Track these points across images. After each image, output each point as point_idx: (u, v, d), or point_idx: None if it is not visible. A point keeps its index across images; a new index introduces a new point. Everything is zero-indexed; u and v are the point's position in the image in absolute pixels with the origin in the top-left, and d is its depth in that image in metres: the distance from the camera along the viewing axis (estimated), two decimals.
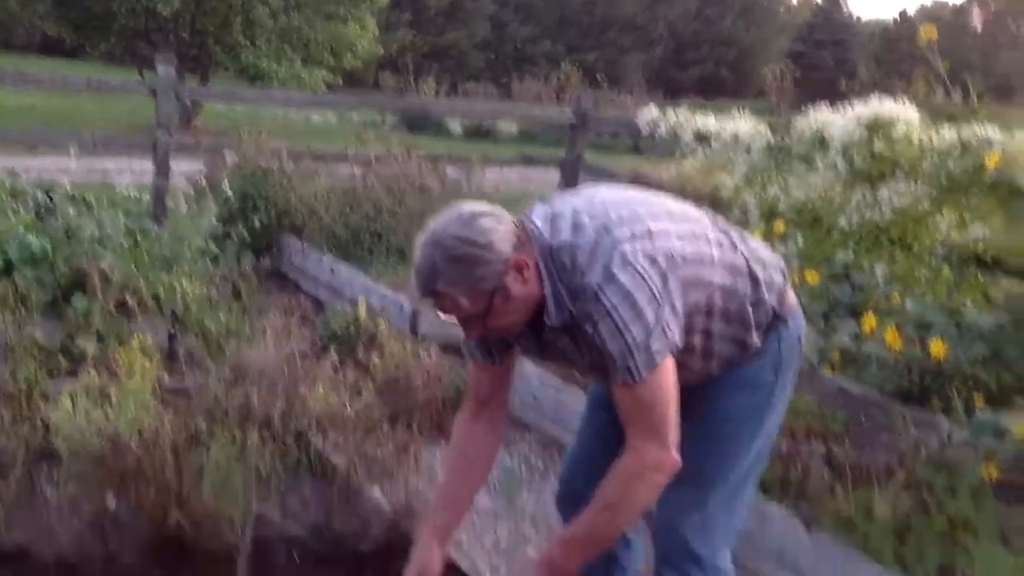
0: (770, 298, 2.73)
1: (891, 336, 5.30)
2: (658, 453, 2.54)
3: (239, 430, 3.61)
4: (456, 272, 2.45)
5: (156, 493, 3.27)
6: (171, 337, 4.72)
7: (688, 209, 2.73)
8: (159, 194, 7.64)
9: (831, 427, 4.91)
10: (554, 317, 2.53)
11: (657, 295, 2.47)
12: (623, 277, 2.46)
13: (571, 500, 3.02)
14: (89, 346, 4.11)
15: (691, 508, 2.80)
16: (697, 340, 2.69)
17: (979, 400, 4.92)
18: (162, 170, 7.92)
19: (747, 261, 2.70)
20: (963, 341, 5.50)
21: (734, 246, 2.69)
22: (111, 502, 3.52)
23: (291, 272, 7.76)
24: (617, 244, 2.49)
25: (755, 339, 2.74)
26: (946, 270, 7.08)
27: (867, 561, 3.71)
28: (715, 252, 2.65)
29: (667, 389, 2.54)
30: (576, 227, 2.54)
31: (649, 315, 2.46)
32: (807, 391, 5.43)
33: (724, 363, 2.76)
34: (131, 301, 4.68)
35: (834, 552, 3.80)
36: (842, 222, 7.92)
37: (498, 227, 2.49)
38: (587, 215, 2.55)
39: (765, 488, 4.20)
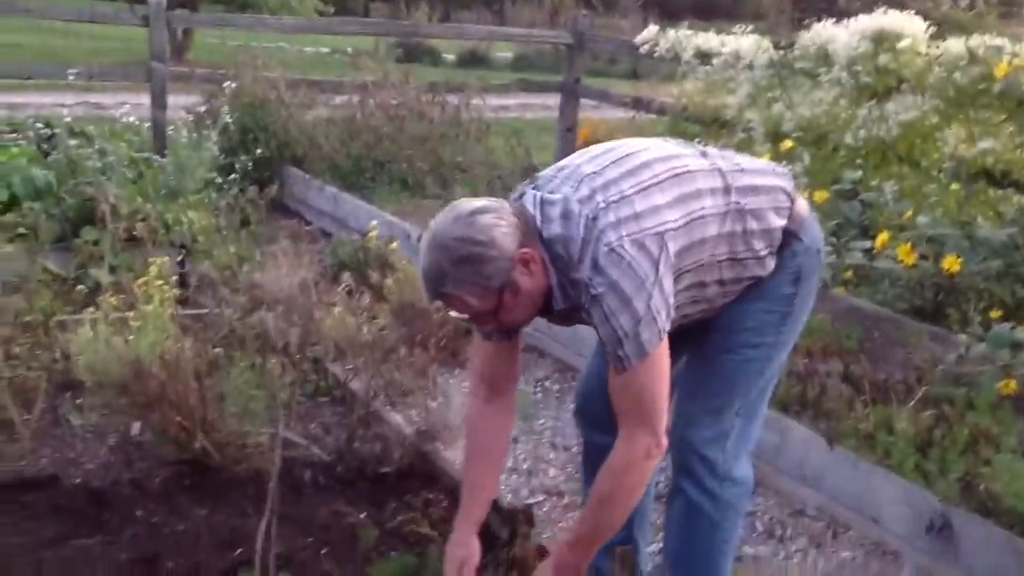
0: (777, 221, 2.71)
1: (904, 252, 5.28)
2: (648, 441, 2.55)
3: (258, 356, 3.58)
4: (463, 273, 2.43)
5: (180, 418, 3.25)
6: (181, 265, 4.70)
7: (674, 156, 2.65)
8: (158, 126, 7.56)
9: (845, 345, 4.90)
10: (560, 302, 2.54)
11: (646, 283, 2.45)
12: (610, 269, 2.44)
13: (587, 414, 3.07)
14: (102, 276, 4.08)
15: (709, 420, 2.81)
16: (713, 290, 2.69)
17: (995, 314, 4.90)
18: (159, 102, 7.84)
19: (740, 199, 2.65)
20: (976, 256, 5.48)
21: (727, 188, 2.65)
22: (135, 429, 3.52)
23: (293, 203, 7.71)
24: (603, 234, 2.46)
25: (770, 264, 2.72)
26: (955, 185, 7.04)
27: (890, 475, 3.71)
28: (707, 203, 2.60)
29: (657, 377, 2.53)
30: (566, 216, 2.51)
31: (638, 305, 2.44)
32: (820, 310, 5.42)
33: (743, 290, 2.74)
34: (140, 231, 4.63)
35: (856, 467, 3.80)
36: (848, 139, 7.83)
37: (499, 223, 2.45)
38: (575, 200, 2.51)
39: (784, 407, 4.21)
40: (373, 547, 2.98)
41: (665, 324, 2.48)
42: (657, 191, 2.54)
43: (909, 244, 5.34)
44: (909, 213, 6.10)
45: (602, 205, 2.49)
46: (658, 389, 2.52)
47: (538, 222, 2.50)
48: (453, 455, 3.84)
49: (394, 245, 5.41)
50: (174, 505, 3.19)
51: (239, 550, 2.94)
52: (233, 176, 5.94)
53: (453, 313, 2.54)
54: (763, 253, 2.67)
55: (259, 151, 7.16)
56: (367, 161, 7.79)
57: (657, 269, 2.45)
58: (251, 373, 3.50)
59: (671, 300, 2.49)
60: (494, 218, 2.45)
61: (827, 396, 4.28)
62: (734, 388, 2.77)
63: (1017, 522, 3.37)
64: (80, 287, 4.32)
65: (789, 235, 2.71)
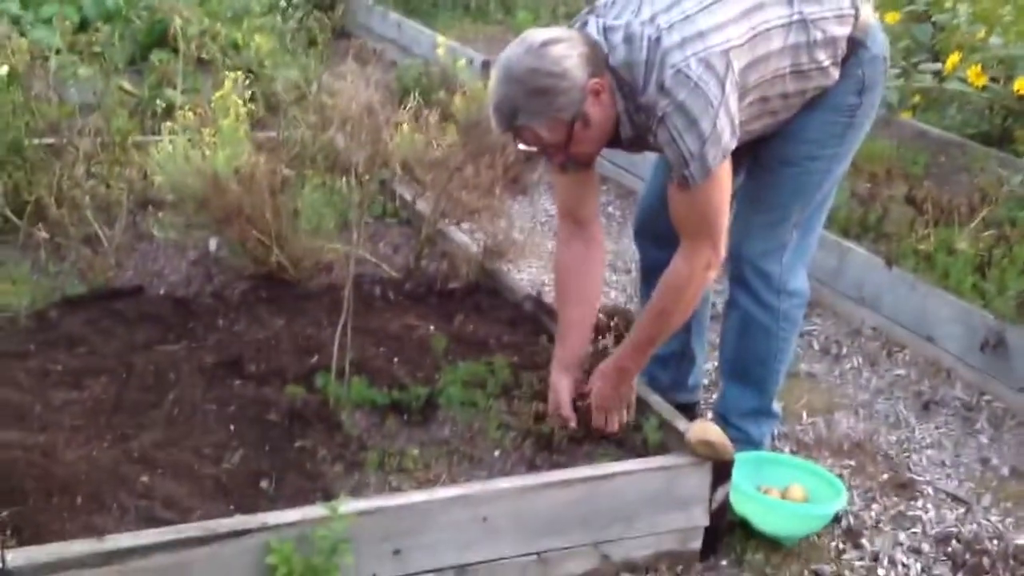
0: (840, 30, 2.70)
1: (974, 73, 5.17)
2: (708, 254, 2.62)
3: (328, 175, 3.68)
4: (536, 106, 2.46)
5: (256, 232, 3.37)
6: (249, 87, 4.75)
7: None
8: None
9: (910, 170, 4.88)
10: (628, 130, 2.58)
11: (713, 102, 2.47)
12: (677, 89, 2.46)
13: (647, 231, 3.15)
14: (175, 96, 4.16)
15: (766, 233, 2.88)
16: (777, 103, 2.71)
17: None
18: None
19: (803, 8, 2.65)
20: None
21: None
22: (212, 244, 3.66)
23: (356, 30, 7.69)
24: (668, 55, 2.48)
25: (835, 74, 2.73)
26: None
27: (946, 294, 3.77)
28: (770, 16, 2.61)
29: (720, 193, 2.58)
30: (628, 40, 2.52)
31: (704, 124, 2.46)
32: (885, 135, 5.38)
33: (809, 100, 2.76)
34: (210, 53, 4.69)
35: (914, 287, 3.86)
36: None
37: (571, 53, 2.47)
38: (637, 23, 2.51)
39: (844, 230, 4.24)
40: (443, 355, 3.11)
41: (730, 142, 2.53)
42: (719, 7, 2.55)
43: (979, 65, 5.23)
44: (982, 34, 5.94)
45: (665, 26, 2.50)
46: (721, 205, 2.59)
47: (603, 49, 2.52)
48: (518, 272, 3.97)
49: (461, 63, 5.42)
50: (253, 315, 3.34)
51: (315, 356, 3.09)
52: (297, 0, 5.94)
53: (521, 146, 2.59)
54: (826, 64, 2.68)
55: None
56: None
57: (723, 87, 2.48)
58: (322, 191, 3.60)
59: (736, 118, 2.53)
60: (566, 48, 2.47)
61: (888, 219, 4.30)
62: (793, 201, 2.82)
63: None
64: (155, 107, 4.43)
65: (854, 43, 2.72)
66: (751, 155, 2.80)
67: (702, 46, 2.48)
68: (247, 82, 3.79)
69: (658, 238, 3.07)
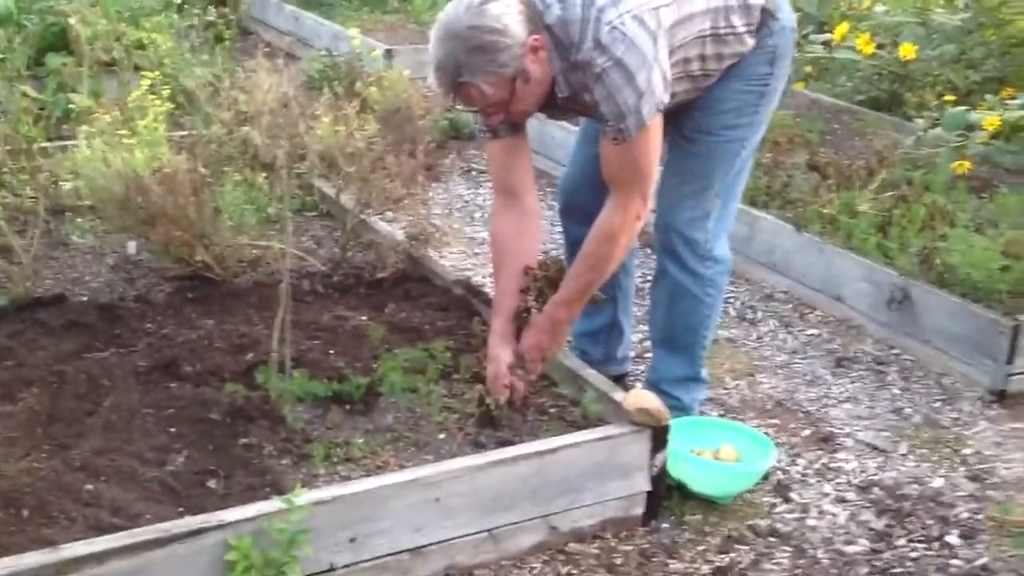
0: None
1: (863, 42, 5.39)
2: (639, 204, 2.72)
3: (248, 171, 3.68)
4: (478, 61, 2.52)
5: (180, 232, 3.36)
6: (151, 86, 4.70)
7: None
8: None
9: (807, 136, 5.06)
10: (563, 89, 2.65)
11: (648, 57, 2.57)
12: (613, 46, 2.55)
13: (573, 209, 3.22)
14: (80, 100, 4.10)
15: (691, 202, 2.98)
16: (695, 66, 2.81)
17: (949, 99, 5.06)
18: None
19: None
20: (931, 43, 5.60)
21: None
22: (131, 247, 3.63)
23: (253, 25, 7.62)
24: (603, 13, 2.56)
25: (749, 42, 2.84)
26: None
27: (852, 255, 3.93)
28: None
29: (653, 145, 2.68)
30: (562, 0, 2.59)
31: (640, 79, 2.56)
32: (782, 105, 5.55)
33: (724, 70, 2.87)
34: (110, 55, 4.62)
35: (822, 250, 4.01)
36: None
37: (509, 10, 2.54)
38: None
39: (752, 200, 4.38)
40: (379, 344, 3.15)
41: (663, 96, 2.62)
42: None
43: (868, 34, 5.45)
44: (867, 3, 6.17)
45: None
46: (653, 157, 2.69)
47: (538, 8, 2.59)
48: (441, 259, 4.02)
49: (375, 52, 5.41)
50: (182, 316, 3.33)
51: (250, 353, 3.10)
52: None
53: (460, 106, 2.65)
54: (742, 30, 2.80)
55: None
56: None
57: (656, 43, 2.57)
58: (243, 188, 3.61)
59: (668, 73, 2.63)
60: (504, 6, 2.53)
61: (793, 186, 4.46)
62: (714, 169, 2.94)
63: (971, 290, 3.62)
64: (59, 112, 4.35)
65: (765, 14, 2.84)
66: (673, 127, 2.90)
67: (635, 4, 2.57)
68: (155, 79, 3.77)
69: (585, 215, 3.15)
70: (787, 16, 2.94)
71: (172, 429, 2.78)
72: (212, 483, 2.60)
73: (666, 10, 2.62)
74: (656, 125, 2.65)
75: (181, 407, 2.85)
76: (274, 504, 2.35)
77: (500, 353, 2.86)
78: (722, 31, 2.78)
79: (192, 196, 3.30)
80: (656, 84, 2.58)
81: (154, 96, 3.45)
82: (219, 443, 2.74)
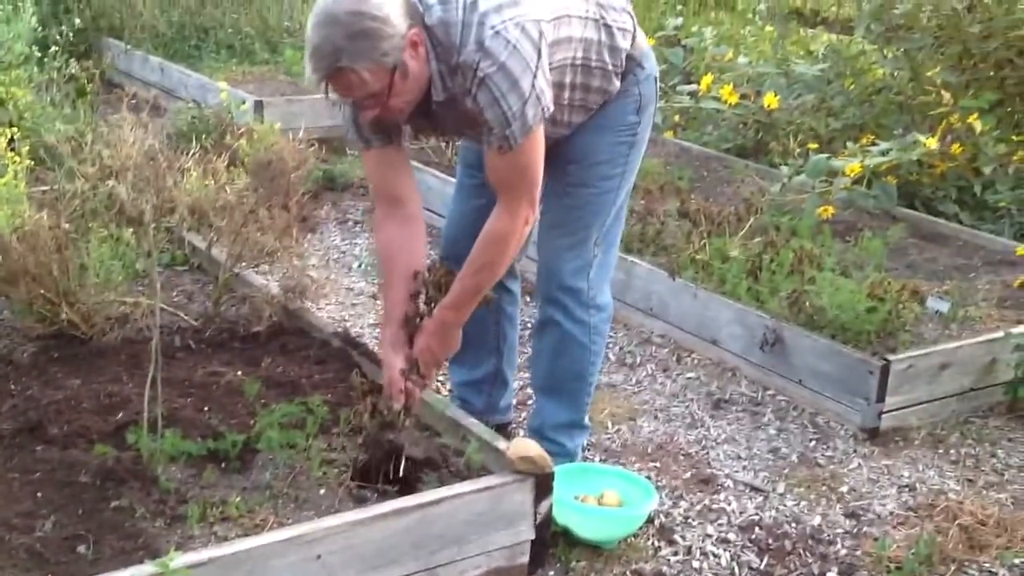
0: (623, 43, 2.89)
1: (727, 92, 5.56)
2: (528, 210, 2.73)
3: (114, 227, 3.57)
4: (359, 47, 2.48)
5: (43, 291, 3.24)
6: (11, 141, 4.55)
7: None
8: None
9: (678, 184, 5.17)
10: (440, 92, 2.63)
11: (531, 64, 2.58)
12: (497, 50, 2.55)
13: (456, 256, 3.18)
14: None
15: (572, 253, 3.00)
16: (566, 95, 2.83)
17: (812, 146, 5.25)
18: None
19: (600, 12, 2.83)
20: (792, 92, 5.82)
21: None
22: None
23: (117, 77, 7.47)
24: (486, 17, 2.57)
25: (616, 84, 2.90)
26: (769, 27, 7.36)
27: (725, 299, 4.01)
28: (570, 5, 2.76)
29: (538, 152, 2.69)
30: (444, 1, 2.59)
31: (524, 84, 2.57)
32: (652, 154, 5.68)
33: (589, 112, 2.91)
34: None
35: (696, 295, 4.09)
36: None
37: (389, 1, 2.51)
38: None
39: (627, 246, 4.45)
40: (255, 399, 3.07)
41: (548, 103, 2.63)
42: None
43: (731, 85, 5.62)
44: (730, 55, 6.38)
45: None
46: (538, 163, 2.70)
47: (418, 7, 2.58)
48: (318, 311, 3.96)
49: (245, 105, 5.34)
50: (48, 377, 3.20)
51: (120, 413, 3.00)
52: (54, 49, 5.71)
53: (333, 96, 2.59)
54: (610, 67, 2.86)
55: (74, 22, 6.85)
56: (190, 28, 7.57)
57: (539, 52, 2.59)
58: (109, 244, 3.50)
59: (550, 83, 2.65)
60: None
61: (666, 232, 4.54)
62: (593, 220, 2.97)
63: (840, 331, 3.72)
64: None
65: (632, 61, 2.90)
66: (548, 181, 2.92)
67: (518, 12, 2.58)
68: (14, 136, 3.65)
69: (463, 262, 3.15)
70: (652, 66, 3.01)
71: (39, 494, 2.65)
72: (82, 548, 2.49)
73: (547, 25, 2.64)
74: (540, 134, 2.66)
75: (48, 470, 2.73)
76: (147, 569, 2.27)
77: (393, 360, 2.83)
78: (593, 63, 2.83)
79: (55, 253, 3.19)
80: (540, 90, 2.59)
81: (13, 152, 3.33)
82: (89, 507, 2.62)
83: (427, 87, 2.63)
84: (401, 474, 2.76)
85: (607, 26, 2.83)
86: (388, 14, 2.50)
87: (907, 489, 3.32)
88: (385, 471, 2.77)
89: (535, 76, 2.58)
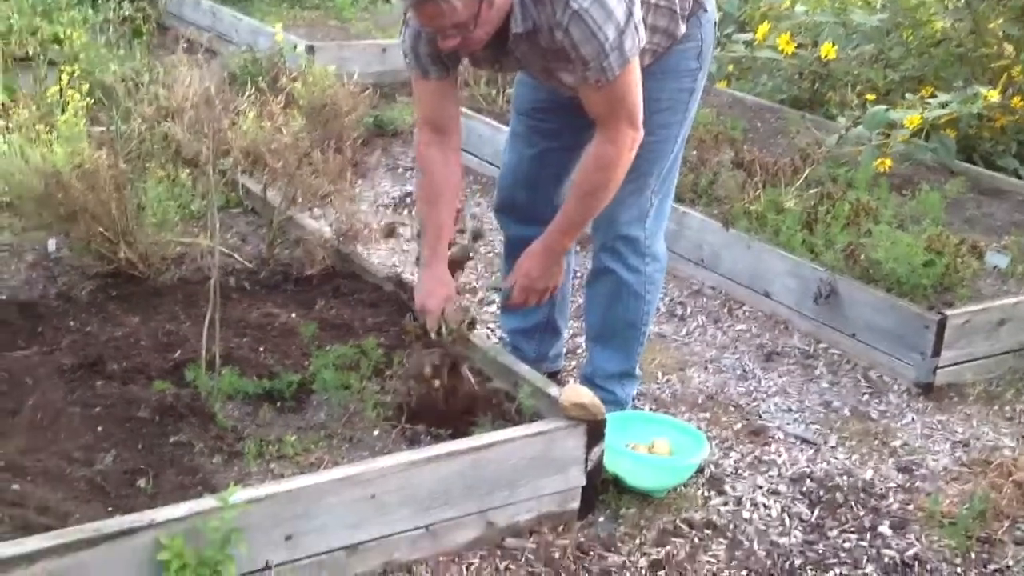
0: None
1: (784, 41, 5.47)
2: (633, 134, 2.70)
3: (171, 167, 3.60)
4: None
5: (102, 229, 3.27)
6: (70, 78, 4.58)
7: None
8: None
9: (732, 134, 5.11)
10: (520, 24, 2.58)
11: None
12: None
13: (509, 207, 3.23)
14: None
15: (630, 201, 2.97)
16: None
17: (870, 97, 5.16)
18: None
19: None
20: (850, 42, 5.71)
21: None
22: (51, 245, 3.53)
23: (169, 20, 7.47)
24: None
25: (682, 27, 2.85)
26: None
27: (779, 251, 3.97)
28: None
29: (636, 79, 2.65)
30: None
31: (619, 14, 2.52)
32: (705, 104, 5.62)
33: (655, 56, 2.86)
34: (24, 50, 4.49)
35: (749, 246, 4.05)
36: None
37: None
38: None
39: (679, 196, 4.41)
40: (310, 341, 3.10)
41: (643, 34, 2.61)
42: None
43: (788, 33, 5.53)
44: (787, 4, 6.26)
45: None
46: (637, 89, 2.67)
47: None
48: (368, 255, 3.97)
49: (299, 48, 5.33)
50: (107, 314, 3.24)
51: (178, 351, 3.04)
52: None
53: (423, 22, 2.55)
54: (678, 9, 2.81)
55: None
56: None
57: None
58: (165, 184, 3.53)
59: (641, 11, 2.61)
60: None
61: (719, 182, 4.50)
62: (651, 168, 2.94)
63: (895, 285, 3.68)
64: None
65: (696, 4, 2.85)
66: None
67: None
68: (74, 73, 3.67)
69: (521, 213, 3.16)
70: (713, 10, 2.97)
71: (99, 428, 2.70)
72: (141, 482, 2.53)
73: None
74: (636, 62, 2.63)
75: (108, 405, 2.77)
76: (207, 502, 2.30)
77: (439, 290, 2.84)
78: (663, 3, 2.79)
79: (114, 192, 3.22)
80: (637, 21, 2.56)
81: (73, 90, 3.35)
82: (148, 441, 2.67)
83: (506, 18, 2.59)
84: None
85: None
86: None
87: (961, 445, 3.29)
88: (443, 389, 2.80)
89: (631, 3, 2.55)
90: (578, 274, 3.69)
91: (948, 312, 3.50)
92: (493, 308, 3.95)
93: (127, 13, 5.63)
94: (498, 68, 2.84)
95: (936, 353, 3.49)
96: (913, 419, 3.41)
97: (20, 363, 2.93)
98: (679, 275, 4.30)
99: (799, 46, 5.65)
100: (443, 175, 2.87)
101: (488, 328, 3.79)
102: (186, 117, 3.63)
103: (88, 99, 3.48)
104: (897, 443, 3.28)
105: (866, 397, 3.53)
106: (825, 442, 3.27)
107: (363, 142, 4.67)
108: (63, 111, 3.30)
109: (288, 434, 2.75)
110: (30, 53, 4.63)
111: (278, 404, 2.88)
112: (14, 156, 3.17)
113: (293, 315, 3.32)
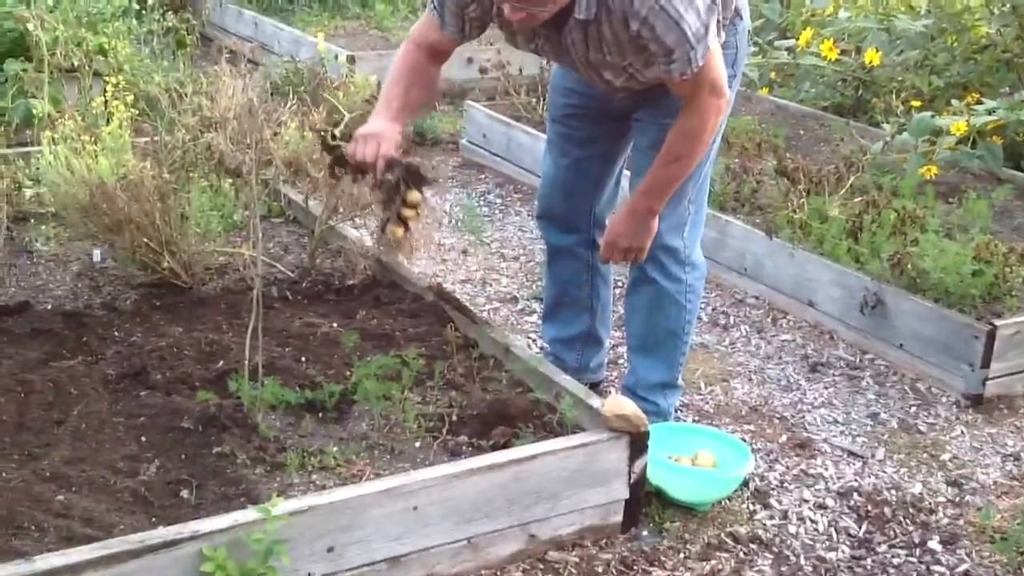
0: None
1: (827, 48, 5.42)
2: (717, 103, 2.70)
3: (215, 178, 3.61)
4: None
5: (147, 240, 3.29)
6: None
7: None
8: None
9: (774, 142, 5.07)
10: (584, 10, 2.55)
11: None
12: None
13: (549, 215, 3.23)
14: (41, 105, 4.01)
15: (668, 210, 2.95)
16: None
17: (915, 104, 5.09)
18: None
19: None
20: (894, 49, 5.64)
21: None
22: (96, 255, 3.55)
23: (212, 31, 7.53)
24: None
25: (721, 35, 2.83)
26: None
27: (824, 260, 3.93)
28: None
29: (718, 55, 2.65)
30: None
31: (701, 5, 2.51)
32: (746, 111, 5.58)
33: None
34: (69, 61, 4.53)
35: (793, 255, 4.01)
36: None
37: None
38: None
39: (721, 205, 4.38)
40: (351, 351, 3.09)
41: (719, 14, 2.62)
42: None
43: (831, 40, 5.48)
44: (830, 9, 6.21)
45: None
46: (720, 58, 2.67)
47: None
48: (412, 265, 3.97)
49: (341, 58, 5.34)
50: (150, 324, 3.26)
51: (220, 361, 3.05)
52: (152, 2, 5.77)
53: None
54: (720, 16, 2.77)
55: None
56: None
57: None
58: (208, 195, 3.54)
59: None
60: None
61: (762, 191, 4.46)
62: (688, 178, 2.91)
63: (943, 295, 3.62)
64: (20, 118, 4.28)
65: (735, 12, 2.82)
66: (644, 139, 2.89)
67: None
68: (120, 84, 3.69)
69: (561, 222, 3.16)
70: (748, 18, 2.96)
71: (143, 438, 2.71)
72: (185, 492, 2.54)
73: None
74: (717, 44, 2.64)
75: (152, 416, 2.78)
76: (250, 514, 2.30)
77: (373, 128, 2.82)
78: (713, 11, 2.75)
79: (158, 203, 3.23)
80: (711, 9, 2.56)
81: (118, 101, 3.38)
82: (191, 452, 2.67)
83: (571, 2, 2.55)
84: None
85: None
86: None
87: (1012, 458, 3.24)
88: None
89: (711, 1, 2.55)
90: (619, 283, 3.66)
91: (998, 323, 3.44)
92: (534, 318, 3.93)
93: (171, 24, 5.66)
94: (534, 48, 2.80)
95: (985, 364, 3.43)
96: (962, 432, 3.36)
97: (66, 373, 2.95)
98: (722, 284, 4.26)
99: (842, 52, 5.60)
100: (421, 70, 2.85)
101: (529, 338, 3.77)
102: (229, 128, 3.64)
103: (133, 111, 3.49)
104: (946, 456, 3.23)
105: (914, 409, 3.47)
106: (872, 455, 3.23)
107: (404, 151, 4.66)
108: (108, 122, 3.31)
109: (330, 445, 2.75)
110: (75, 64, 4.67)
111: (320, 414, 2.87)
112: (60, 167, 3.19)
113: (335, 325, 3.32)
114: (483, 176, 5.39)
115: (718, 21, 2.69)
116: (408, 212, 2.90)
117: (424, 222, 2.96)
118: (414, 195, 2.88)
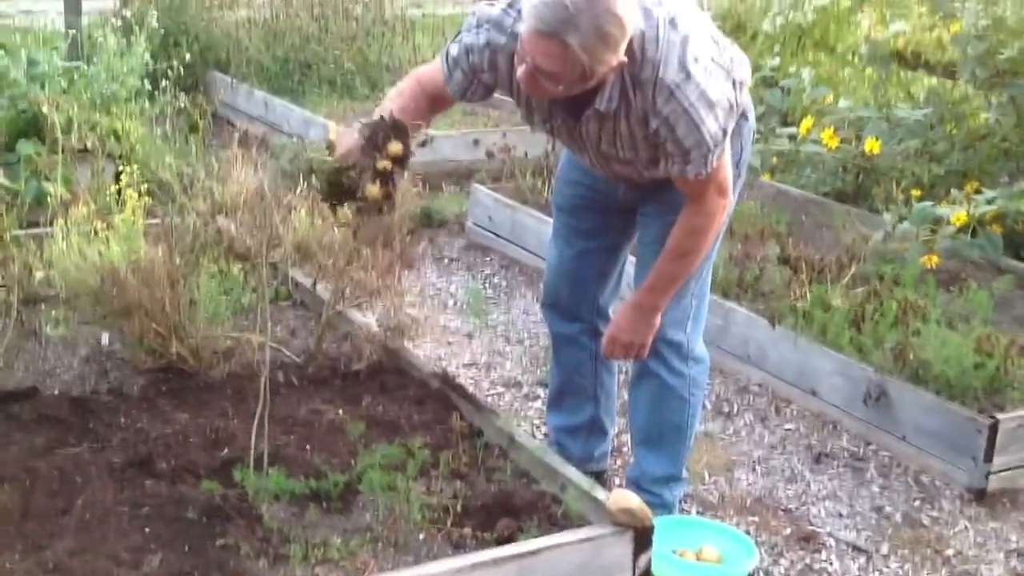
0: (742, 99, 2.84)
1: (827, 136, 5.50)
2: (723, 202, 2.76)
3: (224, 262, 3.65)
4: (593, 42, 2.39)
5: (155, 325, 3.32)
6: (117, 178, 4.68)
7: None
8: (75, 32, 7.36)
9: (776, 228, 5.11)
10: (605, 103, 2.59)
11: (727, 90, 2.59)
12: (698, 74, 2.53)
13: (555, 304, 3.26)
14: (55, 188, 4.07)
15: (671, 305, 2.98)
16: None
17: (915, 192, 5.15)
18: (73, 6, 7.60)
19: (730, 59, 2.74)
20: (894, 137, 5.72)
21: (720, 48, 2.76)
22: (104, 339, 3.58)
23: (222, 110, 7.63)
24: (687, 41, 2.53)
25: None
26: (869, 69, 7.27)
27: (827, 349, 3.95)
28: (713, 51, 2.71)
29: (728, 158, 2.71)
30: (646, 15, 2.53)
31: (720, 111, 2.57)
32: (749, 196, 5.64)
33: None
34: (81, 143, 4.60)
35: (796, 344, 4.03)
36: (766, 26, 8.00)
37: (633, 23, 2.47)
38: (648, 2, 2.55)
39: (724, 291, 4.41)
40: (357, 439, 3.10)
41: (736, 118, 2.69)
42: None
43: (832, 128, 5.56)
44: (830, 98, 6.31)
45: (674, 12, 2.57)
46: (728, 159, 2.72)
47: None
48: (415, 349, 3.99)
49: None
50: (157, 410, 3.27)
51: (226, 449, 3.06)
52: (164, 83, 5.87)
53: (528, 59, 2.46)
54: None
55: (183, 55, 7.02)
56: (293, 63, 7.72)
57: (729, 77, 2.62)
58: (216, 279, 3.58)
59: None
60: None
61: (764, 278, 4.49)
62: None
63: (945, 387, 3.64)
64: (34, 200, 4.33)
65: (741, 115, 2.87)
66: (647, 235, 2.94)
67: (704, 39, 2.61)
68: (134, 172, 3.75)
69: (567, 312, 3.18)
70: (753, 119, 3.00)
71: (147, 529, 2.71)
72: None
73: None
74: (728, 148, 2.70)
75: (157, 505, 2.79)
76: None
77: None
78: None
79: (168, 289, 3.26)
80: (735, 108, 2.63)
81: (131, 189, 3.43)
82: (195, 543, 2.67)
83: (592, 92, 2.58)
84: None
85: (735, 82, 2.72)
86: (628, 31, 2.45)
87: (1016, 555, 3.23)
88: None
89: (731, 102, 2.61)
90: (624, 369, 3.68)
91: (1000, 416, 3.45)
92: (539, 404, 3.94)
93: (182, 105, 5.75)
94: (548, 128, 2.81)
95: (988, 458, 3.43)
96: (966, 527, 3.35)
97: (71, 461, 2.96)
98: (725, 370, 4.28)
99: (843, 140, 5.67)
100: (417, 99, 2.83)
101: (533, 424, 3.78)
102: (239, 214, 3.67)
103: (146, 198, 3.55)
104: (950, 552, 3.22)
105: (918, 503, 3.47)
106: (877, 550, 3.22)
107: (410, 232, 4.71)
108: (121, 208, 3.36)
109: (334, 536, 2.75)
110: (88, 146, 4.74)
111: (324, 504, 2.88)
112: (72, 253, 3.23)
113: (340, 412, 3.33)
114: (488, 258, 5.44)
115: None
116: (384, 163, 2.71)
117: (404, 176, 2.80)
118: (395, 146, 2.70)
